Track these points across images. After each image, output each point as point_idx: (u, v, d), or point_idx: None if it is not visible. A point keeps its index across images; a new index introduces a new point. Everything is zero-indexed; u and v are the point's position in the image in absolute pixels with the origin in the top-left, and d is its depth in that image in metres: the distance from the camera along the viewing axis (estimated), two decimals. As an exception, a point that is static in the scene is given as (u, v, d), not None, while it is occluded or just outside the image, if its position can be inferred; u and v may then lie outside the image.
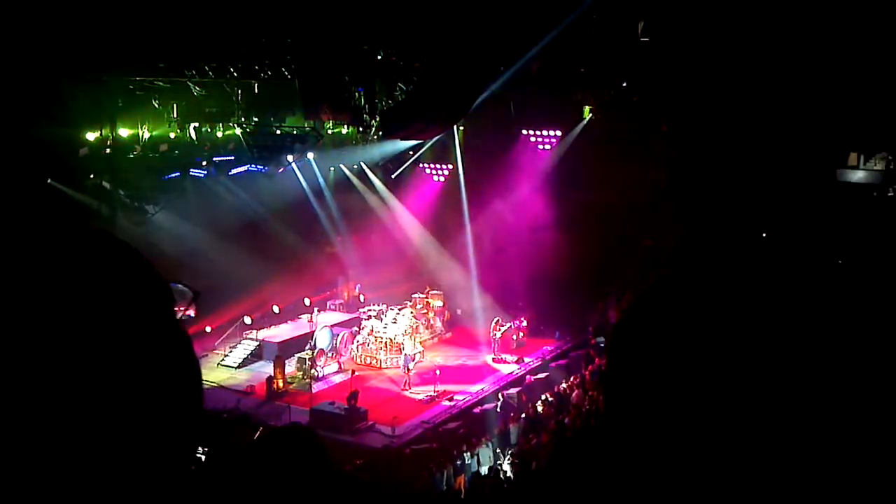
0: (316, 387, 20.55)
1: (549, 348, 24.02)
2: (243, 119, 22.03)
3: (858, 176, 23.09)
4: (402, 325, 23.22)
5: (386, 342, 22.73)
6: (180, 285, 1.08)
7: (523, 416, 18.69)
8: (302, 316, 24.84)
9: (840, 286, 1.01)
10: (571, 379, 20.83)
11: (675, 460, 0.95)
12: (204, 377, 1.03)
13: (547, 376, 21.68)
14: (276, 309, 24.17)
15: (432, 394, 19.99)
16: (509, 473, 16.21)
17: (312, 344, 21.64)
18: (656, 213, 24.17)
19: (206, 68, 20.31)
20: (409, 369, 20.44)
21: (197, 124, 22.22)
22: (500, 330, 23.40)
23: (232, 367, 21.87)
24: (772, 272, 1.01)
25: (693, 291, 1.02)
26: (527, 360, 23.03)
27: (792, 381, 0.92)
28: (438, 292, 26.00)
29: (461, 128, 27.23)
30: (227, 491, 0.99)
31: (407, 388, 20.28)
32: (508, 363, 22.75)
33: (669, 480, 0.96)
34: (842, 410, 0.93)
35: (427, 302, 25.58)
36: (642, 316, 1.04)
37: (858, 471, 0.93)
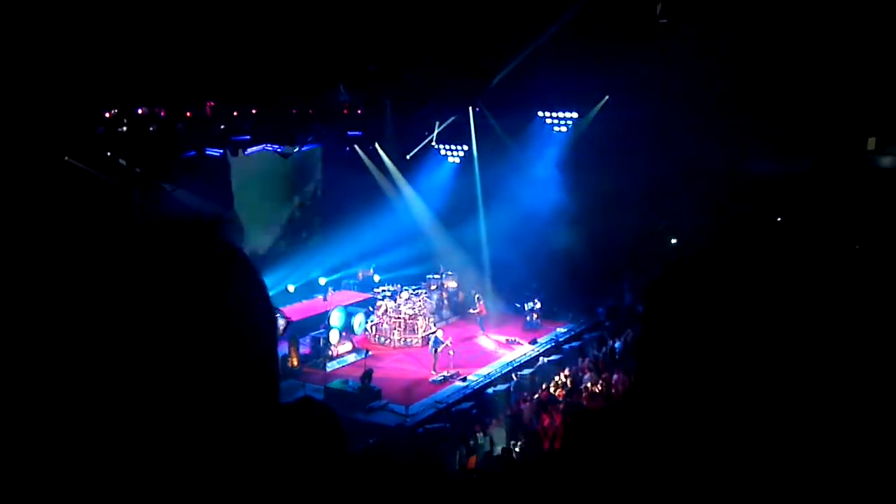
0: (330, 366, 20.71)
1: (562, 330, 24.04)
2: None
3: (886, 161, 22.80)
4: (416, 305, 23.32)
5: (400, 322, 22.84)
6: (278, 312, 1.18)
7: (536, 397, 18.74)
8: (316, 295, 24.97)
9: (864, 269, 1.01)
10: (584, 361, 20.85)
11: (708, 427, 0.96)
12: None
13: (560, 358, 21.72)
14: (290, 288, 24.29)
15: (446, 374, 20.10)
16: (521, 454, 16.28)
17: (326, 323, 21.77)
18: (672, 197, 24.06)
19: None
20: (436, 351, 20.51)
21: (214, 103, 22.23)
22: (480, 306, 23.55)
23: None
24: (797, 250, 1.02)
25: (726, 264, 1.03)
26: (539, 341, 23.07)
27: (816, 361, 0.93)
28: (452, 273, 26.05)
29: (476, 108, 27.13)
30: (241, 466, 1.01)
31: (434, 369, 20.34)
32: (521, 345, 22.81)
33: (699, 448, 0.96)
34: (867, 386, 0.93)
35: (441, 283, 25.65)
36: (678, 281, 1.05)
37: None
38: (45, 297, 0.97)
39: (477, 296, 24.11)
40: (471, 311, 24.12)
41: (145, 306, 0.97)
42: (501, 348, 22.65)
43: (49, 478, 0.94)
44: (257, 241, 24.75)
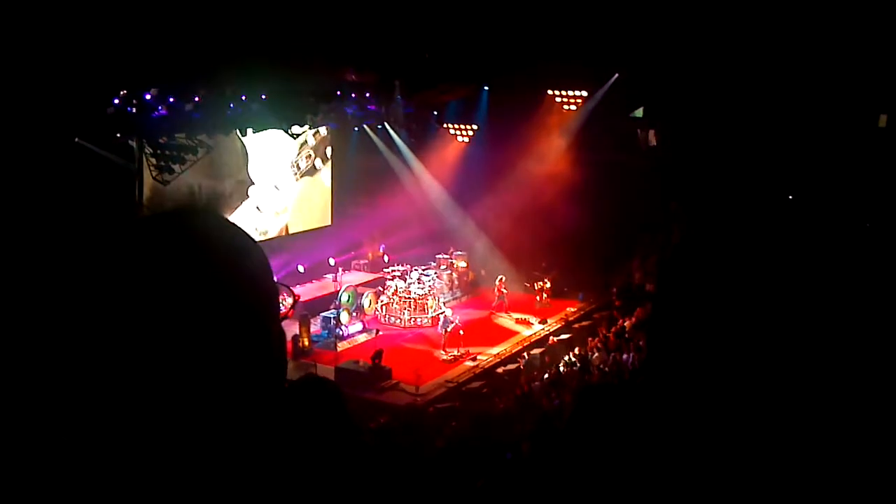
0: (340, 346, 20.80)
1: (572, 310, 24.03)
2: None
3: None
4: (426, 285, 23.35)
5: (410, 302, 22.89)
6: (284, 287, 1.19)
7: (546, 376, 18.78)
8: (327, 276, 25.02)
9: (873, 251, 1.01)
10: (594, 340, 20.85)
11: (718, 407, 0.96)
12: None
13: (570, 337, 21.74)
14: (301, 269, 24.33)
15: (456, 353, 20.17)
16: (531, 433, 16.32)
17: (337, 303, 21.83)
18: (682, 174, 23.92)
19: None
20: (446, 331, 20.56)
21: (223, 85, 22.10)
22: (505, 289, 23.55)
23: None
24: (809, 230, 1.02)
25: (737, 243, 1.03)
26: (550, 321, 23.08)
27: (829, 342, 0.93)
28: (462, 253, 26.04)
29: (486, 87, 27.00)
30: (249, 438, 1.03)
31: (444, 348, 20.40)
32: (531, 324, 22.84)
33: (709, 426, 0.96)
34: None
35: (451, 263, 25.65)
36: (690, 260, 1.05)
37: None
38: (50, 285, 0.99)
39: (500, 278, 23.96)
40: (495, 288, 23.93)
41: (152, 293, 0.97)
42: (512, 327, 22.67)
43: (57, 449, 0.95)
44: (269, 221, 24.79)
